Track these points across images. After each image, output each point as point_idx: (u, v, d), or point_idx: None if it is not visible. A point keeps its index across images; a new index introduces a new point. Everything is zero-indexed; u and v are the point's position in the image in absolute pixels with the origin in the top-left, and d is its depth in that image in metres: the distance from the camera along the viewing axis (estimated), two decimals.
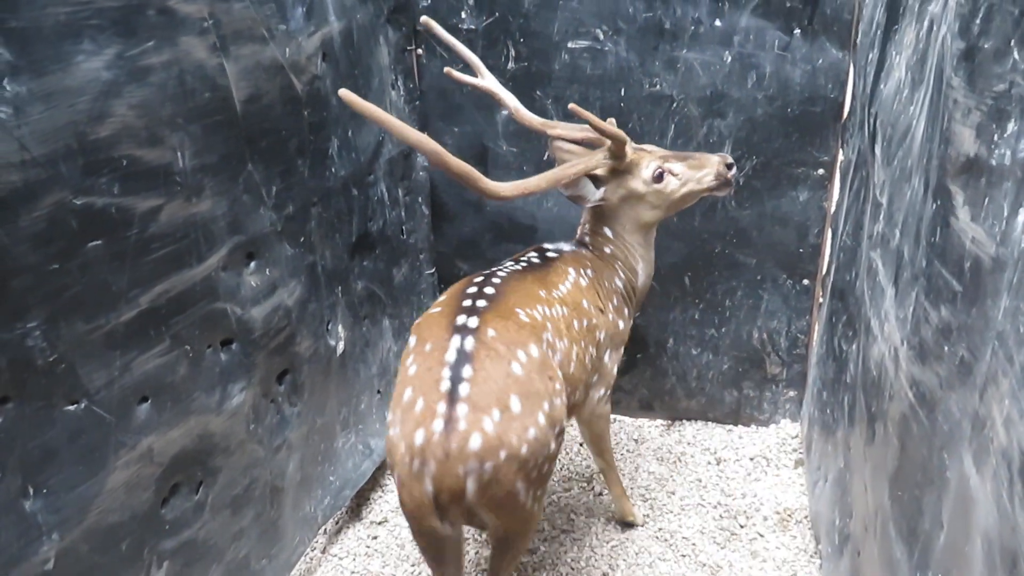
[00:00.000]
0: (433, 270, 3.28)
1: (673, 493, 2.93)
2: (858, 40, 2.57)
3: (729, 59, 2.73)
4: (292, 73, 2.19)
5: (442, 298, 2.03)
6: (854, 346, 2.08)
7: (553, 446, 1.77)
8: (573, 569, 2.60)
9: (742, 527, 2.75)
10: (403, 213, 3.00)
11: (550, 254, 2.31)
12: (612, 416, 3.37)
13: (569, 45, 2.84)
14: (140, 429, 1.75)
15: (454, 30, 2.90)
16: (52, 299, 1.50)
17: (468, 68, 2.45)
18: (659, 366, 3.25)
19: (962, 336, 1.19)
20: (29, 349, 1.46)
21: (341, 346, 2.59)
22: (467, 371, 1.67)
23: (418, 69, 2.99)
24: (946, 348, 1.25)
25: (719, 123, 2.82)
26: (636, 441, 3.23)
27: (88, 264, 1.57)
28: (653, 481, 2.99)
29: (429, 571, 2.61)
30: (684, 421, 3.34)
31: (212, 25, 1.86)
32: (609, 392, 2.42)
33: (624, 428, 3.32)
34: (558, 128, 2.31)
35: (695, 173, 2.28)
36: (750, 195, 2.90)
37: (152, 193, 1.72)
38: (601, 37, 2.81)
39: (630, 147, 2.25)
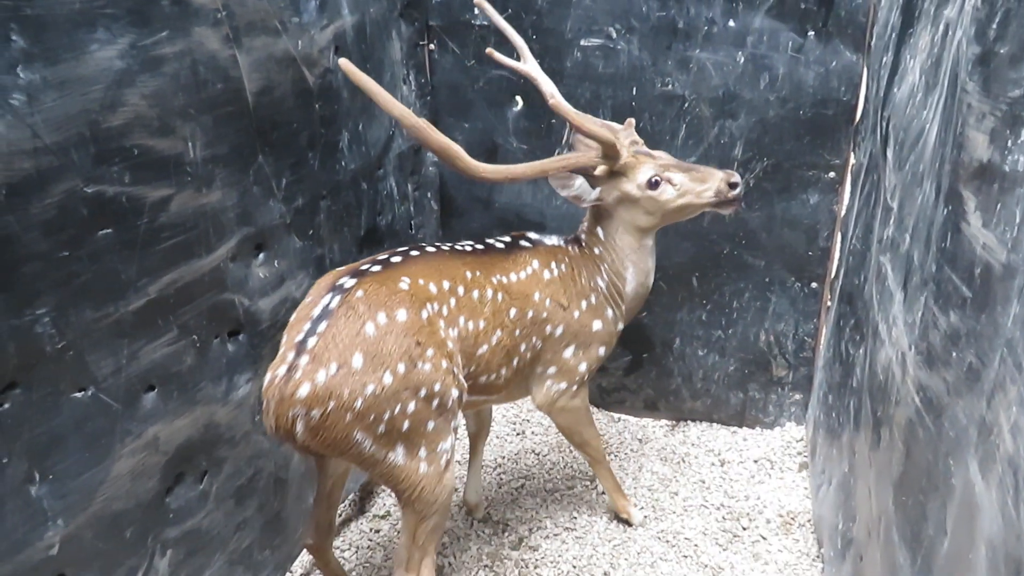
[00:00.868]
0: None
1: (676, 494, 2.92)
2: (872, 43, 2.56)
3: (742, 60, 2.72)
4: (304, 66, 2.19)
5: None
6: (861, 350, 2.07)
7: (412, 406, 1.87)
8: (575, 567, 2.60)
9: (745, 529, 2.74)
10: (412, 208, 3.00)
11: (523, 243, 2.35)
12: (615, 415, 3.37)
13: (582, 43, 2.83)
14: (146, 418, 1.76)
15: (466, 26, 2.91)
16: (61, 286, 1.51)
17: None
18: (665, 366, 3.25)
19: (971, 342, 1.18)
20: (38, 336, 1.47)
21: None
22: (322, 326, 1.82)
23: (430, 64, 2.99)
24: (954, 354, 1.25)
25: (730, 124, 2.81)
26: (640, 441, 3.23)
27: (98, 252, 1.58)
28: (656, 481, 2.99)
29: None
30: (689, 422, 3.33)
31: (225, 16, 1.86)
32: (576, 388, 2.42)
33: (628, 428, 3.31)
34: (585, 122, 2.23)
35: (695, 186, 2.22)
36: (760, 197, 2.89)
37: (163, 183, 1.72)
38: (614, 35, 2.80)
39: (627, 149, 2.22)
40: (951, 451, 1.23)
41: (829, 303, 2.90)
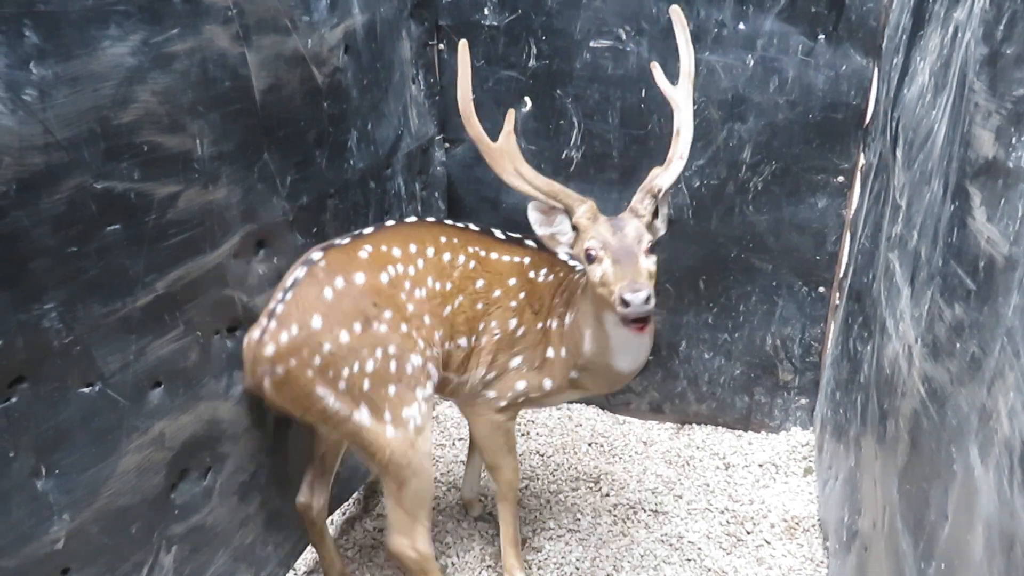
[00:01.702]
0: None
1: (680, 497, 2.92)
2: (883, 45, 2.55)
3: (752, 63, 2.72)
4: (313, 64, 2.20)
5: None
6: (869, 347, 2.09)
7: (371, 365, 1.99)
8: (577, 569, 2.60)
9: (749, 533, 2.74)
10: (420, 207, 3.01)
11: (528, 242, 2.32)
12: (620, 417, 3.37)
13: (591, 44, 2.83)
14: (152, 413, 1.77)
15: (476, 26, 2.91)
16: (69, 282, 1.52)
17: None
18: (670, 369, 3.24)
19: (974, 333, 1.22)
20: (46, 330, 1.48)
21: None
22: (289, 295, 1.98)
23: (439, 64, 3.00)
24: (958, 345, 1.28)
25: (739, 127, 2.80)
26: (645, 443, 3.23)
27: (106, 248, 1.59)
28: (661, 484, 2.98)
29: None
30: (694, 425, 3.32)
31: (236, 14, 1.87)
32: (504, 405, 2.30)
33: (633, 430, 3.31)
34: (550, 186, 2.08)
35: (610, 279, 1.91)
36: (768, 200, 2.89)
37: (171, 179, 1.73)
38: (624, 37, 2.80)
39: (586, 211, 2.01)
40: (953, 438, 1.26)
41: (837, 303, 2.89)
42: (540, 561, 2.63)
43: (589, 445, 3.20)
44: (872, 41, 2.60)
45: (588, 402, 3.43)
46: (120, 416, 1.67)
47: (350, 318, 1.97)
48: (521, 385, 2.28)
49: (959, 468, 1.22)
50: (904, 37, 2.14)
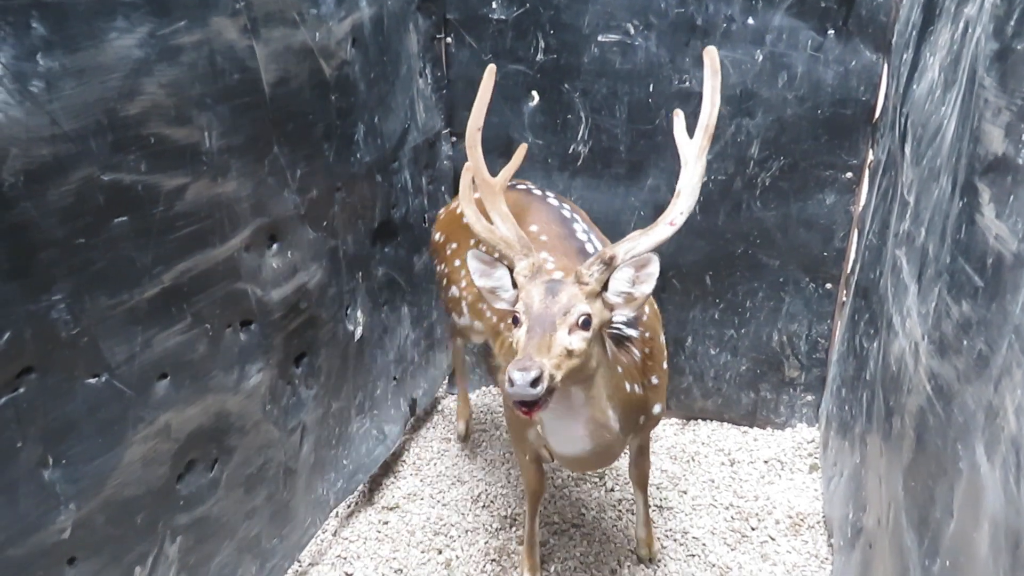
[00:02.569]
0: None
1: (685, 492, 2.92)
2: (893, 41, 2.54)
3: (760, 58, 2.70)
4: (321, 57, 2.20)
5: None
6: (875, 343, 2.08)
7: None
8: (582, 563, 2.60)
9: (753, 529, 2.73)
10: (426, 201, 3.01)
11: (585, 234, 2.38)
12: None
13: (599, 39, 2.82)
14: (159, 405, 1.77)
15: (484, 20, 2.91)
16: (77, 273, 1.52)
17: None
18: (676, 365, 3.23)
19: (981, 330, 1.21)
20: (53, 321, 1.49)
21: (359, 331, 2.61)
22: None
23: (446, 58, 3.00)
24: (965, 342, 1.28)
25: (747, 122, 2.79)
26: (650, 439, 3.22)
27: (113, 240, 1.59)
28: (666, 480, 2.98)
29: (437, 559, 2.63)
30: (699, 421, 3.32)
31: (244, 7, 1.87)
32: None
33: None
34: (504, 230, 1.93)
35: (517, 351, 1.66)
36: (776, 196, 2.87)
37: (179, 172, 1.73)
38: (632, 32, 2.79)
39: (525, 268, 1.80)
40: (960, 436, 1.26)
41: (844, 299, 2.88)
42: (544, 555, 2.63)
43: None
44: (882, 36, 2.59)
45: None
46: (126, 407, 1.68)
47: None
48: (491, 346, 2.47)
49: (965, 465, 1.22)
50: (914, 32, 2.13)
